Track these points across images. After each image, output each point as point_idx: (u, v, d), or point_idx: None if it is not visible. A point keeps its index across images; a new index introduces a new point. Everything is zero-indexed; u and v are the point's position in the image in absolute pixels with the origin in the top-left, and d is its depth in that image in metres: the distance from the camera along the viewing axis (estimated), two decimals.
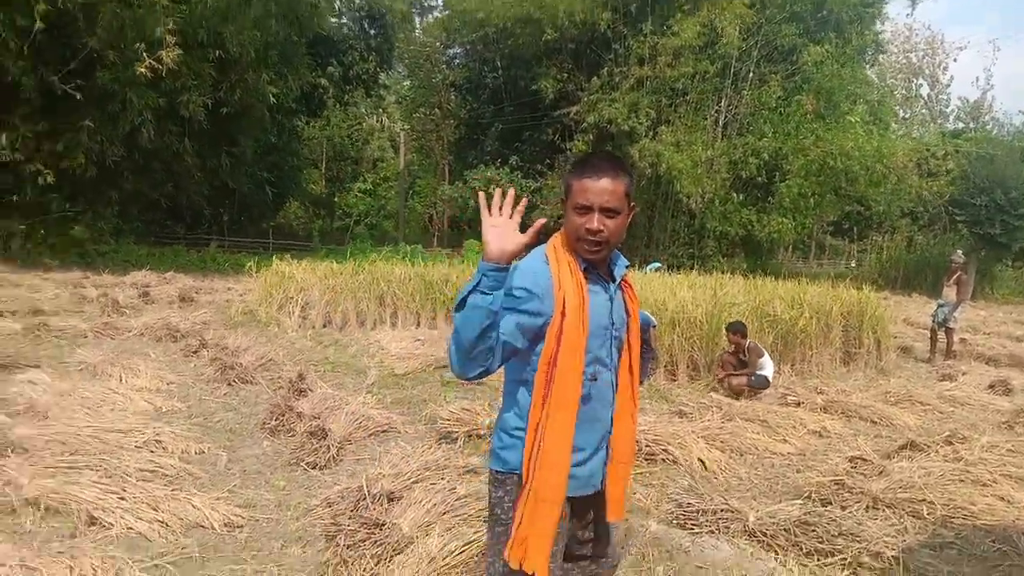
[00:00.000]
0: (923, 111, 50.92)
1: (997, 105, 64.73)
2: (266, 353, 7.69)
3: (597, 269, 2.10)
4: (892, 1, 34.26)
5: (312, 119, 32.05)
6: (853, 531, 3.78)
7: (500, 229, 1.91)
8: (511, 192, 1.99)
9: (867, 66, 35.93)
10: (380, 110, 46.93)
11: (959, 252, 11.13)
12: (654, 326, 7.66)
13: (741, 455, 5.46)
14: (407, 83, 44.14)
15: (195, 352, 7.88)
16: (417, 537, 3.46)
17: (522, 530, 1.96)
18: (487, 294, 1.81)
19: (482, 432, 5.28)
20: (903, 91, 49.81)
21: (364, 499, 3.84)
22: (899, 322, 15.60)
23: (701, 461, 5.07)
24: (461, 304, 1.82)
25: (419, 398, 6.63)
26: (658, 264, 21.35)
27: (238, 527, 3.77)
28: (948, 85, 53.99)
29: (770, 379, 7.44)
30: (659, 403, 6.99)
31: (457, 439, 5.23)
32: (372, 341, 9.38)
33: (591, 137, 27.99)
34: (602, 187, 2.00)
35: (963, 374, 9.44)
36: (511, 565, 1.97)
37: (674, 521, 4.01)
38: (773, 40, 26.13)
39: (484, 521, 2.10)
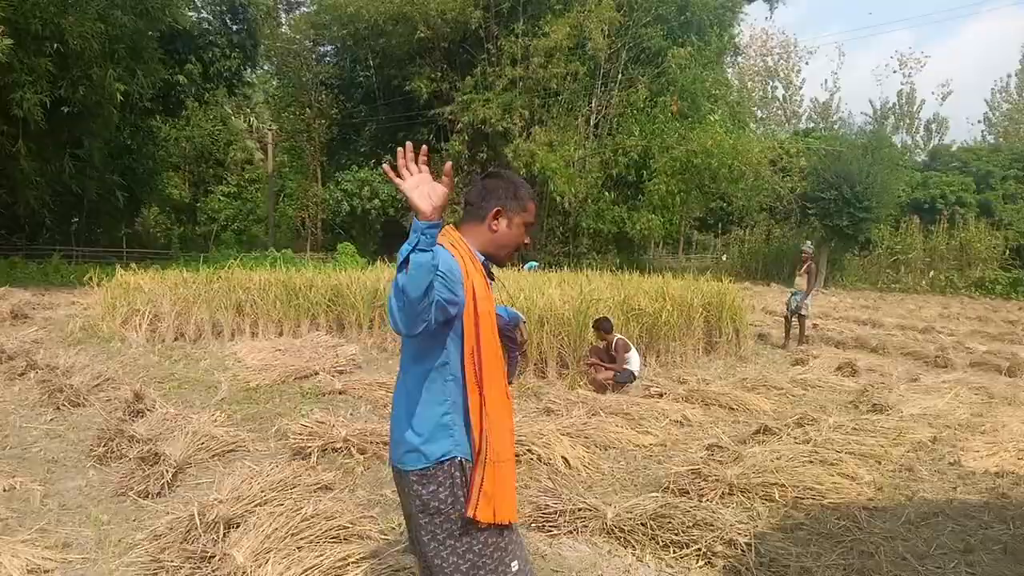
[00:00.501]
0: (779, 112, 54.24)
1: (843, 106, 70.03)
2: (104, 372, 7.02)
3: (487, 268, 2.28)
4: (750, 3, 35.67)
5: (171, 119, 30.14)
6: (708, 520, 3.80)
7: (422, 187, 1.93)
8: (409, 145, 2.02)
9: (727, 68, 37.93)
10: (249, 110, 44.91)
11: (808, 243, 11.82)
12: (523, 321, 7.60)
13: (605, 449, 5.46)
14: (275, 82, 42.48)
15: (20, 375, 7.10)
16: (250, 569, 3.16)
17: (486, 490, 2.05)
18: (427, 251, 1.85)
19: (338, 445, 5.00)
20: (760, 93, 52.85)
21: (195, 529, 3.49)
22: (758, 311, 16.43)
23: (564, 459, 5.01)
24: (404, 263, 1.86)
25: (273, 412, 6.23)
26: (535, 263, 21.55)
27: (45, 573, 3.32)
28: (800, 87, 57.81)
29: (636, 372, 7.55)
30: (529, 402, 6.92)
31: (311, 454, 4.92)
32: (228, 353, 8.83)
33: (466, 137, 27.97)
34: None
35: (814, 358, 9.98)
36: (482, 521, 2.05)
37: (532, 524, 3.90)
38: (640, 42, 26.99)
39: (420, 525, 2.10)
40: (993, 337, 13.58)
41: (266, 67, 42.85)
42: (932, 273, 29.17)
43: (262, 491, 4.12)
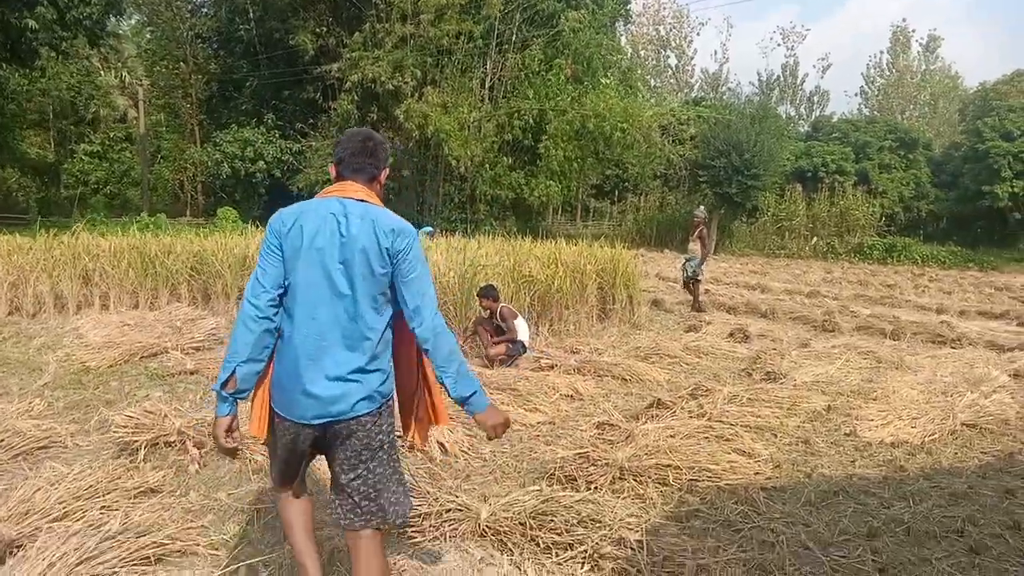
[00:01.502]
0: (671, 81, 55.06)
1: (732, 77, 71.89)
2: None
3: None
4: None
5: (21, 70, 27.07)
6: (594, 516, 3.33)
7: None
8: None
9: (620, 35, 37.88)
10: (120, 64, 41.35)
11: (701, 208, 11.66)
12: None
13: None
14: (148, 35, 39.28)
15: None
16: None
17: (421, 416, 2.61)
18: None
19: (172, 439, 4.23)
20: (653, 62, 53.44)
21: None
22: (652, 277, 16.39)
23: (441, 444, 4.44)
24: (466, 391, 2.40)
25: (103, 399, 5.34)
26: (430, 228, 20.76)
27: None
28: (692, 58, 58.82)
29: (526, 343, 7.06)
30: None
31: (138, 450, 4.13)
32: (69, 329, 7.74)
33: (356, 97, 26.60)
34: None
35: (707, 324, 9.83)
36: (420, 445, 2.85)
37: (394, 532, 3.32)
38: (534, 4, 26.32)
39: (370, 460, 2.37)
40: (875, 301, 13.98)
41: (136, 18, 39.64)
42: (815, 240, 30.31)
43: (61, 502, 3.34)
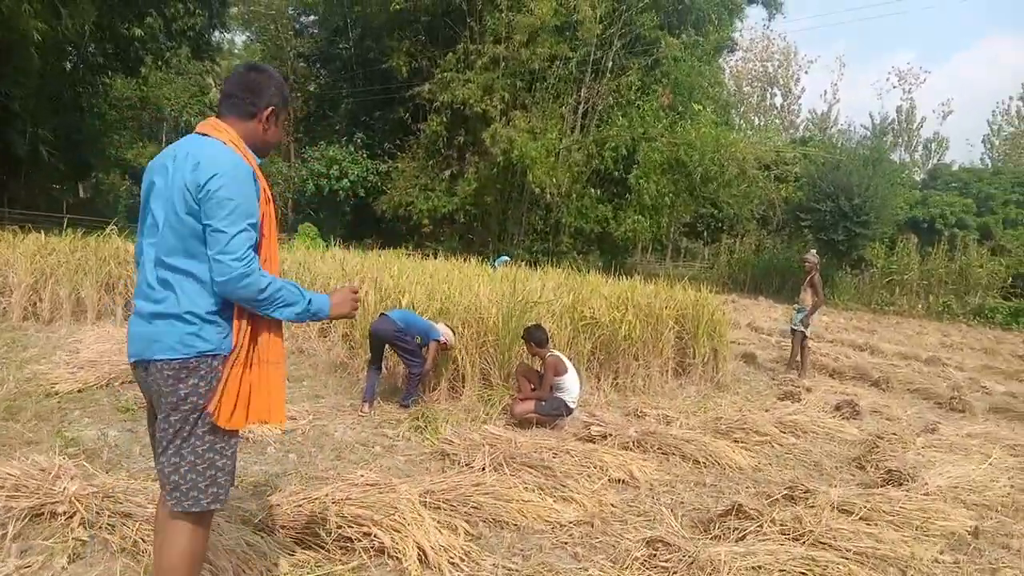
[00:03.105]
0: (776, 120, 52.67)
1: (842, 118, 68.48)
2: None
3: None
4: (751, 5, 33.79)
5: (130, 78, 27.91)
6: None
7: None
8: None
9: (724, 67, 36.20)
10: (216, 74, 42.78)
11: (812, 251, 9.96)
12: (442, 340, 5.86)
13: (497, 529, 3.63)
14: (252, 45, 40.35)
15: None
16: None
17: (249, 395, 2.15)
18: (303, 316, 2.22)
19: (61, 509, 3.12)
20: (759, 98, 51.30)
21: None
22: (743, 327, 14.71)
23: (421, 551, 3.17)
24: (292, 310, 2.16)
25: (28, 436, 4.33)
26: (506, 258, 19.68)
27: None
28: (800, 96, 56.35)
29: (572, 403, 5.72)
30: (419, 437, 5.08)
31: (6, 523, 3.04)
32: (70, 341, 6.93)
33: (444, 118, 26.06)
34: None
35: (807, 391, 8.20)
36: (236, 426, 2.13)
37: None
38: (634, 29, 25.15)
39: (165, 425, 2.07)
40: (1008, 375, 11.85)
41: (247, 35, 40.89)
42: (931, 297, 27.47)
43: None
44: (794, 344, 9.50)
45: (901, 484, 4.82)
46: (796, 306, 9.71)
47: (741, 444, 5.59)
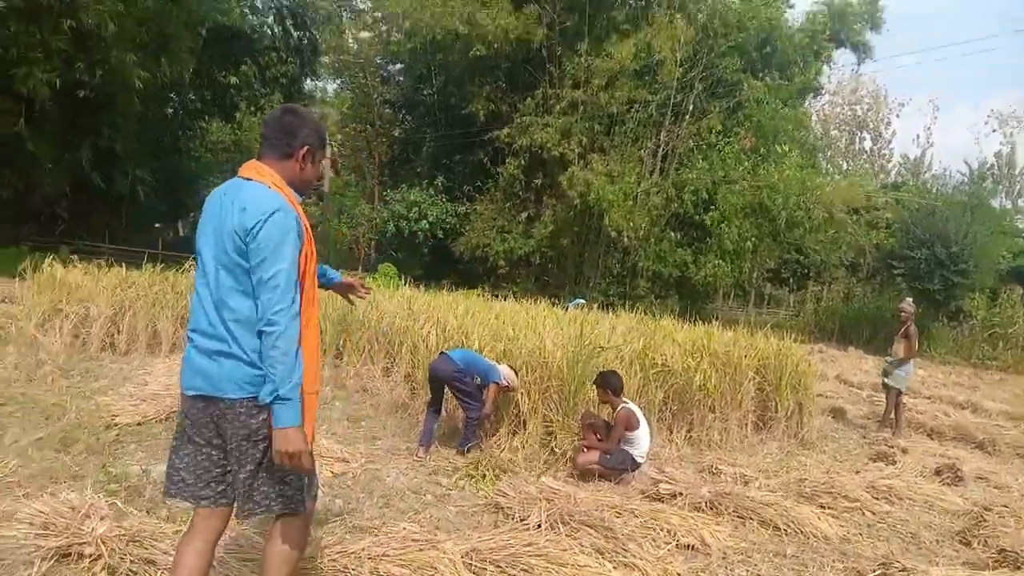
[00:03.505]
0: (866, 165, 50.83)
1: (936, 163, 65.41)
2: None
3: None
4: (838, 49, 32.86)
5: (226, 123, 29.35)
6: None
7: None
8: None
9: (810, 112, 35.23)
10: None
11: (908, 300, 9.24)
12: (503, 383, 5.63)
13: None
14: (342, 93, 41.96)
15: None
16: None
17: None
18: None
19: (88, 551, 3.00)
20: (847, 143, 49.72)
21: None
22: (831, 379, 13.86)
23: None
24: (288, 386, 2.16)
25: (75, 470, 4.27)
26: (581, 301, 19.38)
27: None
28: (890, 140, 54.43)
29: (639, 458, 5.34)
30: (473, 487, 4.81)
31: (32, 563, 2.92)
32: (142, 372, 7.02)
33: (522, 162, 26.19)
34: None
35: (902, 452, 7.51)
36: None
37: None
38: (715, 72, 24.79)
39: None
40: None
41: (338, 82, 42.60)
42: None
43: None
44: (888, 400, 8.78)
45: (1018, 568, 4.23)
46: (888, 358, 9.02)
47: (828, 510, 5.07)
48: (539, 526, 3.97)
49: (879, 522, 5.11)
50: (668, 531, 4.18)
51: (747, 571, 3.93)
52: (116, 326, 8.20)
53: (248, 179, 2.28)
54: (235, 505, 2.35)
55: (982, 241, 24.89)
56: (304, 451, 2.19)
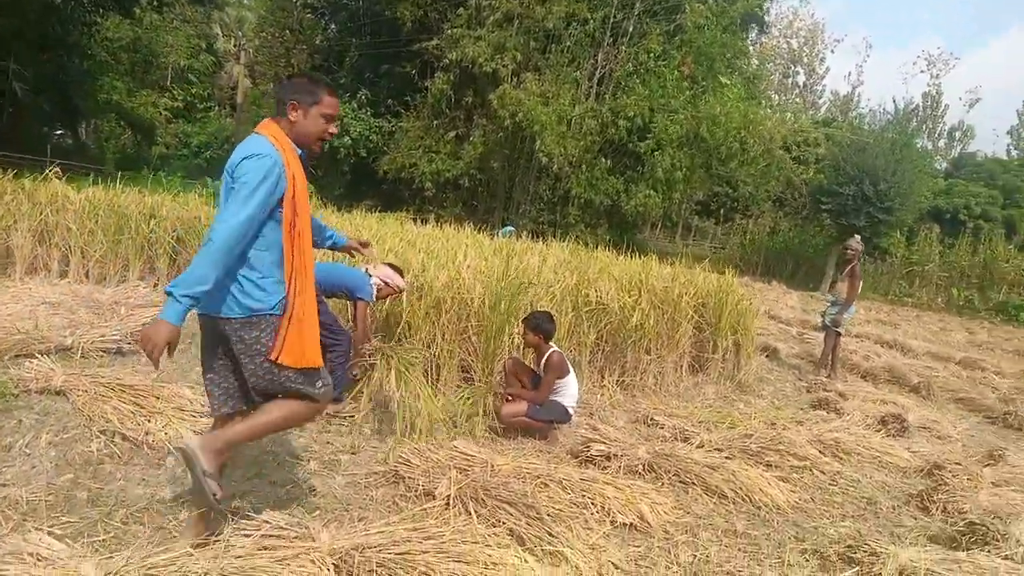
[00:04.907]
0: (797, 100, 50.99)
1: (865, 102, 66.36)
2: None
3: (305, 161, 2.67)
4: None
5: (124, 18, 26.46)
6: None
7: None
8: None
9: (751, 44, 34.53)
10: (240, 32, 41.39)
11: (857, 237, 8.70)
12: (369, 299, 4.57)
13: None
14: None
15: None
16: None
17: (292, 343, 2.52)
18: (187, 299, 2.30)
19: None
20: (780, 77, 49.59)
21: None
22: (760, 315, 13.57)
23: None
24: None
25: None
26: (511, 228, 18.56)
27: None
28: (824, 76, 54.67)
29: (571, 410, 4.64)
30: (370, 451, 4.01)
31: None
32: None
33: (452, 77, 24.67)
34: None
35: (841, 397, 7.11)
36: (292, 365, 2.53)
37: None
38: None
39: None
40: None
41: None
42: (955, 291, 26.22)
43: None
44: (826, 341, 8.36)
45: (987, 543, 3.74)
46: (829, 298, 8.58)
47: (776, 471, 4.51)
48: (447, 505, 3.21)
49: (830, 484, 4.59)
50: (602, 506, 3.50)
51: (693, 556, 3.30)
52: None
53: (256, 133, 2.57)
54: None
55: (909, 179, 25.13)
56: (158, 345, 2.25)
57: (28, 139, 23.06)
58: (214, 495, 2.38)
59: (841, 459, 5.06)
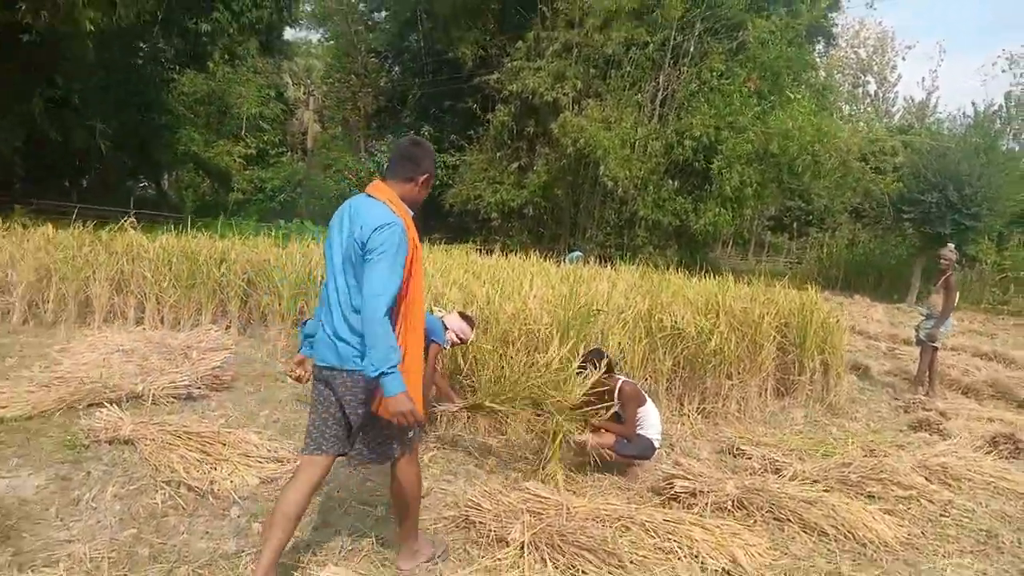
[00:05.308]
0: (869, 109, 49.29)
1: (941, 107, 63.70)
2: None
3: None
4: None
5: (199, 72, 27.73)
6: None
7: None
8: None
9: (817, 54, 33.63)
10: (308, 80, 43.01)
11: (950, 246, 8.16)
12: (442, 344, 4.49)
13: None
14: (326, 42, 40.28)
15: None
16: None
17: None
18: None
19: None
20: (850, 87, 48.12)
21: None
22: (845, 331, 12.92)
23: None
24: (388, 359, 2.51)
25: None
26: (579, 254, 18.36)
27: None
28: (895, 84, 52.78)
29: (657, 443, 4.38)
30: (439, 493, 3.84)
31: None
32: (60, 348, 6.00)
33: (513, 109, 24.85)
34: None
35: (943, 416, 6.59)
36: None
37: None
38: (717, 10, 23.27)
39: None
40: None
41: (320, 31, 40.83)
42: None
43: None
44: (923, 357, 7.81)
45: None
46: (924, 311, 8.04)
47: (879, 502, 4.14)
48: (521, 552, 3.02)
49: (942, 515, 4.18)
50: (690, 550, 3.23)
51: None
52: (40, 294, 7.17)
53: (370, 196, 2.69)
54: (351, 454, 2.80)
55: (996, 183, 23.79)
56: (411, 410, 2.52)
57: (113, 192, 24.30)
58: (438, 554, 3.05)
59: (951, 487, 4.62)
